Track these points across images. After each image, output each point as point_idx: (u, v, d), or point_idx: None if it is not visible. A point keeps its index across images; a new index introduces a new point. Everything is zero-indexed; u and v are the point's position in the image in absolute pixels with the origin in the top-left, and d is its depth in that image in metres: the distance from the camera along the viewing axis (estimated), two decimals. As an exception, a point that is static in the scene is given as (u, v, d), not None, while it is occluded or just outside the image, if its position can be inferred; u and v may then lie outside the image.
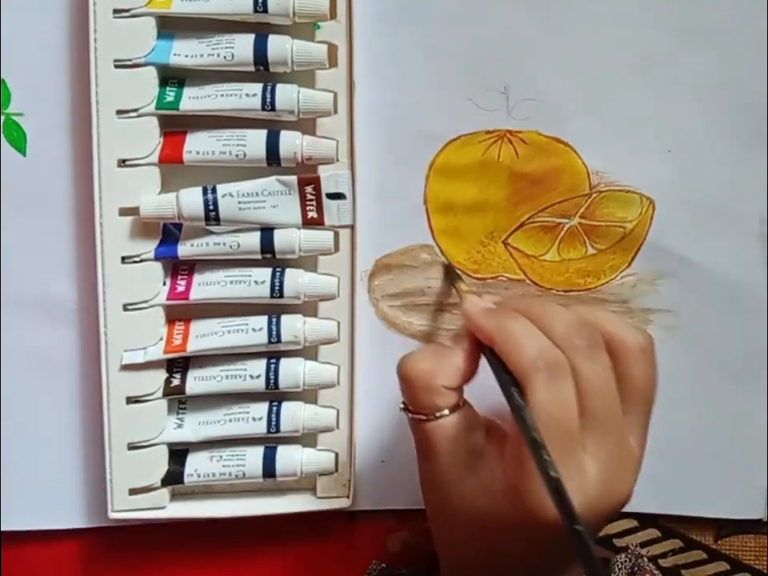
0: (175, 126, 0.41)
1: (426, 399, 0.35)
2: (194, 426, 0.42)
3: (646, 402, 0.36)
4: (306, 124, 0.41)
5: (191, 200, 0.40)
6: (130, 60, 0.39)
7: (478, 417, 0.37)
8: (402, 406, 0.37)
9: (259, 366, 0.42)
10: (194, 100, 0.40)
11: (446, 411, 0.35)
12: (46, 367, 0.43)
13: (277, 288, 0.41)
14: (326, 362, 0.43)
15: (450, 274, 0.44)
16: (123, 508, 0.42)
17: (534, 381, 0.33)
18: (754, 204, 0.44)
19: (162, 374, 0.42)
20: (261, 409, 0.42)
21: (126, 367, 0.41)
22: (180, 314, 0.42)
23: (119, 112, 0.40)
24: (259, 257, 0.41)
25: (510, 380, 0.34)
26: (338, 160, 0.41)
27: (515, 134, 0.43)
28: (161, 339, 0.41)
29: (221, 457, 0.42)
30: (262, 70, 0.40)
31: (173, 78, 0.41)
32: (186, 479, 0.42)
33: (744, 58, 0.42)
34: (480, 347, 0.36)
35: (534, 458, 0.31)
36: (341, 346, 0.43)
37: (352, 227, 0.42)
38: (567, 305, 0.37)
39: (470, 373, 0.36)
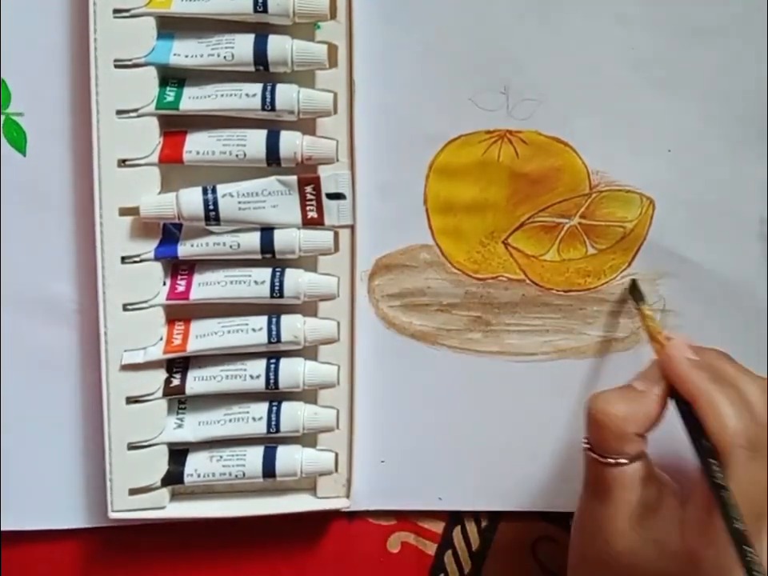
0: (175, 126, 0.41)
1: (616, 445, 0.35)
2: (194, 426, 0.42)
3: None
4: (306, 124, 0.41)
5: (191, 200, 0.40)
6: (129, 60, 0.39)
7: (654, 469, 0.37)
8: (585, 444, 0.37)
9: (259, 366, 0.42)
10: (194, 100, 0.40)
11: (629, 459, 0.35)
12: (46, 367, 0.43)
13: (277, 288, 0.41)
14: (325, 361, 0.43)
15: (635, 293, 0.43)
16: (123, 508, 0.42)
17: (733, 457, 0.33)
18: (754, 204, 0.44)
19: (161, 374, 0.42)
20: (261, 409, 0.42)
21: (126, 367, 0.41)
22: (180, 313, 0.42)
23: (119, 112, 0.40)
24: (259, 257, 0.41)
25: (710, 449, 0.34)
26: (338, 160, 0.41)
27: (515, 134, 0.43)
28: (161, 339, 0.41)
29: (221, 457, 0.42)
30: (262, 70, 0.40)
31: (173, 77, 0.41)
32: (186, 479, 0.42)
33: (744, 58, 0.42)
34: (671, 394, 0.36)
35: (735, 545, 0.31)
36: (341, 346, 0.43)
37: (352, 227, 0.42)
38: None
39: (659, 419, 0.36)
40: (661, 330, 0.40)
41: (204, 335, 0.42)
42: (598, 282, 0.44)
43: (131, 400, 0.41)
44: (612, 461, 0.35)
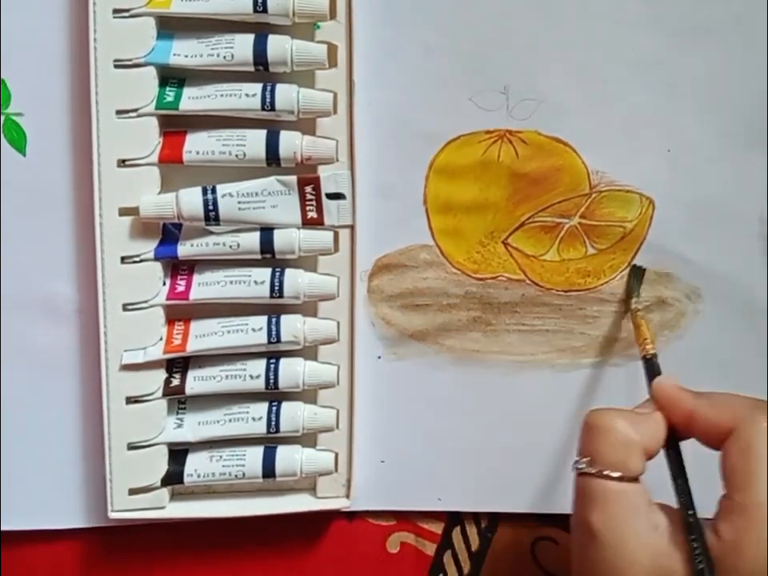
0: (175, 126, 0.41)
1: (621, 455, 0.33)
2: (194, 426, 0.42)
3: None
4: (305, 124, 0.41)
5: (191, 200, 0.40)
6: (129, 60, 0.39)
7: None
8: (578, 465, 0.34)
9: (259, 366, 0.42)
10: (193, 100, 0.40)
11: (630, 478, 0.33)
12: (46, 367, 0.43)
13: (276, 288, 0.41)
14: (325, 362, 0.43)
15: (634, 281, 0.43)
16: (123, 508, 0.42)
17: (753, 419, 0.33)
18: (754, 204, 0.44)
19: (161, 374, 0.42)
20: (260, 409, 0.42)
21: (126, 367, 0.41)
22: (180, 313, 0.42)
23: (119, 112, 0.40)
24: (259, 257, 0.41)
25: (687, 487, 0.34)
26: (337, 160, 0.41)
27: (515, 134, 0.43)
28: (160, 339, 0.41)
29: (221, 457, 0.42)
30: (262, 70, 0.40)
31: (173, 78, 0.41)
32: (186, 479, 0.42)
33: (744, 58, 0.42)
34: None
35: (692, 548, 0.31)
36: (340, 346, 0.43)
37: (352, 227, 0.42)
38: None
39: (660, 446, 0.35)
40: (650, 337, 0.39)
41: (204, 335, 0.42)
42: (598, 281, 0.44)
43: (131, 400, 0.41)
44: (618, 476, 0.33)
